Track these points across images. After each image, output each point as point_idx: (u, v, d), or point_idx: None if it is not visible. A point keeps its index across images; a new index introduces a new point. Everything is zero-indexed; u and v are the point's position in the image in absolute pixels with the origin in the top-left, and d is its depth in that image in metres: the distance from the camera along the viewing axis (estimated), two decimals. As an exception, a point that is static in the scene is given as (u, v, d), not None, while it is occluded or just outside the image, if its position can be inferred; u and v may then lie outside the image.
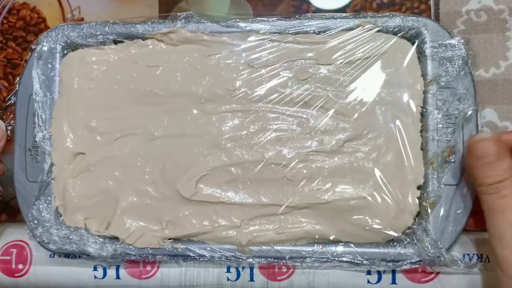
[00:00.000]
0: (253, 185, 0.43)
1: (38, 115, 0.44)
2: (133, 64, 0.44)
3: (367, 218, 0.42)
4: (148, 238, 0.43)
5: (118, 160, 0.44)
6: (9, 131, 0.45)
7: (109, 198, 0.44)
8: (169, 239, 0.43)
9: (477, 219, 0.42)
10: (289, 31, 0.43)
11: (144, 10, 0.50)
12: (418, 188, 0.42)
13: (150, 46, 0.44)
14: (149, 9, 0.50)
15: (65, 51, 0.45)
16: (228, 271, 0.45)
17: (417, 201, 0.42)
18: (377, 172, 0.42)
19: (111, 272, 0.46)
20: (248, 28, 0.44)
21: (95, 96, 0.45)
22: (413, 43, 0.43)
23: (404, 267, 0.41)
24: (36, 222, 0.44)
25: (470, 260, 0.42)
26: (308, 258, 0.42)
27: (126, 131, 0.44)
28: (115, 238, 0.44)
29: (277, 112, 0.43)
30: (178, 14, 0.44)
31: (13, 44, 0.51)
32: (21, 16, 0.51)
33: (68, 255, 0.46)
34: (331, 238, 0.42)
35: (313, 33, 0.43)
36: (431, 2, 0.49)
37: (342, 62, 0.43)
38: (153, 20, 0.44)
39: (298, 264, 0.43)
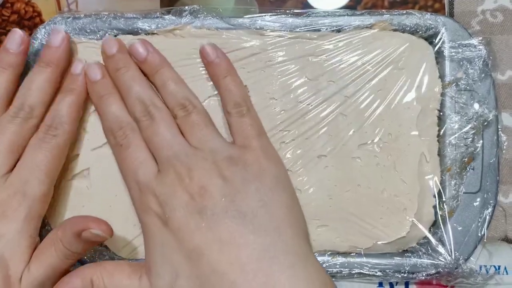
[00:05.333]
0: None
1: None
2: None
3: (380, 227, 0.40)
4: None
5: (114, 162, 0.41)
6: None
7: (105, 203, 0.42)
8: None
9: None
10: (300, 28, 0.42)
11: (144, 5, 0.48)
12: (434, 196, 0.40)
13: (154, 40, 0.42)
14: (149, 3, 0.48)
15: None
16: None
17: (433, 210, 0.40)
18: (392, 179, 0.40)
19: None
20: (257, 24, 0.42)
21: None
22: (430, 43, 0.41)
23: (420, 278, 0.40)
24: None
25: (487, 272, 0.41)
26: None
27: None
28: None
29: (287, 110, 0.41)
30: (184, 8, 0.42)
31: (6, 39, 0.50)
32: (15, 9, 0.50)
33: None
34: (343, 251, 0.41)
35: (326, 31, 0.42)
36: (445, 1, 0.47)
37: (356, 62, 0.41)
38: (157, 15, 0.42)
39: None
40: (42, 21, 0.49)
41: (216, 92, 0.41)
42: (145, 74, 0.40)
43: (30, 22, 0.50)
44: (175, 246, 0.33)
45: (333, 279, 0.40)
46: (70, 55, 0.41)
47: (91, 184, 0.42)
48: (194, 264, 0.33)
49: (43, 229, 0.40)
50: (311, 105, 0.41)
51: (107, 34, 0.41)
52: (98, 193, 0.42)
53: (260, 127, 0.39)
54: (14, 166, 0.37)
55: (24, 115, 0.38)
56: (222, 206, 0.33)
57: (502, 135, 0.43)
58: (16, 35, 0.39)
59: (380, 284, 0.42)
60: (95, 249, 0.41)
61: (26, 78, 0.39)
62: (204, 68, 0.42)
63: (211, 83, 0.42)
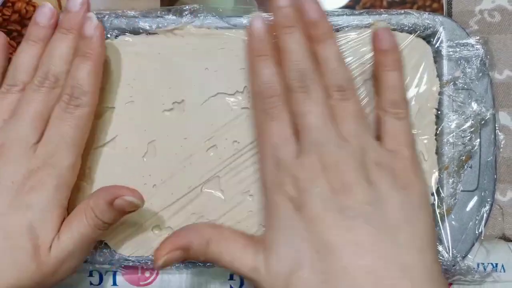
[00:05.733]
0: (262, 189, 0.41)
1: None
2: (131, 61, 0.43)
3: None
4: (145, 250, 0.41)
5: (116, 161, 0.42)
6: None
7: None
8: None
9: None
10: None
11: (144, 3, 0.48)
12: (432, 194, 0.40)
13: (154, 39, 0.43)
14: (150, 2, 0.48)
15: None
16: (231, 278, 0.43)
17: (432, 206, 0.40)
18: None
19: (108, 278, 0.44)
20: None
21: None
22: (428, 42, 0.41)
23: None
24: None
25: (485, 269, 0.41)
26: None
27: (124, 131, 0.42)
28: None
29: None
30: (184, 7, 0.42)
31: (7, 38, 0.50)
32: (16, 9, 0.50)
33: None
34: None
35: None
36: (444, 1, 0.47)
37: (355, 61, 0.41)
38: (157, 14, 0.42)
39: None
40: (43, 21, 0.49)
41: (216, 93, 0.42)
42: (309, 36, 0.37)
43: (31, 21, 0.50)
44: (305, 235, 0.31)
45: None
46: None
47: (92, 183, 0.42)
48: (322, 259, 0.31)
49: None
50: (311, 105, 0.41)
51: None
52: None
53: (413, 136, 0.36)
54: (42, 135, 0.37)
55: (49, 84, 0.38)
56: (365, 211, 0.31)
57: (499, 133, 0.43)
58: (46, 9, 0.39)
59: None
60: (95, 246, 0.41)
61: (49, 45, 0.39)
62: (204, 68, 0.42)
63: (212, 83, 0.42)
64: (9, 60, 0.41)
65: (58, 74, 0.38)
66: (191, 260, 0.34)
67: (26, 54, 0.39)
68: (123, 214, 0.36)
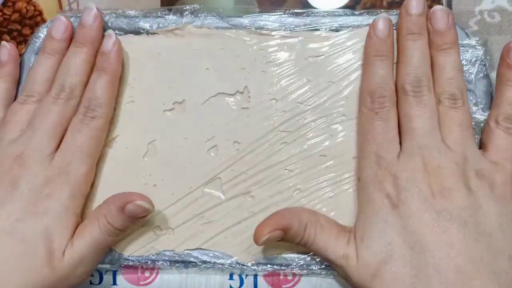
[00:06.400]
0: (263, 189, 0.41)
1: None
2: (131, 61, 0.43)
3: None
4: (145, 250, 0.41)
5: (116, 161, 0.42)
6: None
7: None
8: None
9: None
10: (300, 28, 0.42)
11: (144, 3, 0.48)
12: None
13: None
14: (150, 2, 0.48)
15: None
16: (231, 278, 0.43)
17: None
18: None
19: (108, 278, 0.43)
20: (257, 24, 0.42)
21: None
22: (427, 43, 0.41)
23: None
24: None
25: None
26: (315, 266, 0.40)
27: (125, 131, 0.42)
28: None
29: (288, 111, 0.41)
30: (185, 7, 0.42)
31: (7, 38, 0.50)
32: (16, 8, 0.50)
33: (62, 259, 0.44)
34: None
35: (326, 30, 0.42)
36: (444, 1, 0.47)
37: (356, 62, 0.41)
38: (158, 14, 0.42)
39: (305, 272, 0.41)
40: (43, 20, 0.49)
41: (217, 93, 0.42)
42: (432, 43, 0.39)
43: (32, 21, 0.50)
44: (399, 231, 0.34)
45: (333, 277, 0.41)
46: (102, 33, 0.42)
47: (96, 183, 0.42)
48: (414, 255, 0.33)
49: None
50: (311, 106, 0.41)
51: None
52: (100, 192, 0.42)
53: None
54: (59, 145, 0.38)
55: (65, 96, 0.39)
56: (462, 215, 0.33)
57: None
58: (60, 23, 0.41)
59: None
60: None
61: (65, 58, 0.40)
62: (205, 68, 0.42)
63: (212, 83, 0.42)
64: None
65: (74, 85, 0.39)
66: (286, 241, 0.36)
67: (42, 66, 0.41)
68: (134, 220, 0.38)
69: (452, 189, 0.34)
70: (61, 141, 0.39)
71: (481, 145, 0.37)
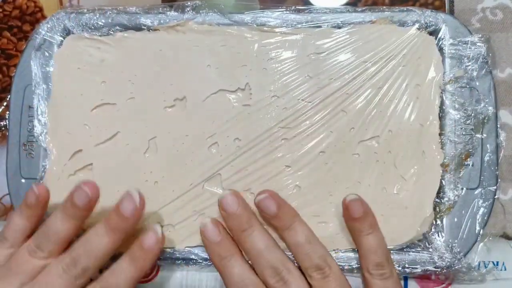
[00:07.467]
0: (263, 186, 0.41)
1: (36, 108, 0.42)
2: (132, 57, 0.42)
3: (381, 224, 0.40)
4: None
5: (117, 158, 0.42)
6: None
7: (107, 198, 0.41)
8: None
9: None
10: (302, 25, 0.42)
11: (145, 0, 0.47)
12: (434, 192, 0.40)
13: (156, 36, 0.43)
14: (151, -1, 0.48)
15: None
16: (232, 275, 0.43)
17: (432, 206, 0.40)
18: (392, 175, 0.40)
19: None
20: (258, 21, 0.42)
21: (94, 90, 0.42)
22: (429, 40, 0.41)
23: (419, 273, 0.40)
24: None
25: (486, 267, 0.41)
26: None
27: (126, 128, 0.42)
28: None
29: (289, 108, 0.41)
30: (186, 3, 0.42)
31: (8, 34, 0.49)
32: (17, 5, 0.49)
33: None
34: (343, 247, 0.41)
35: (327, 27, 0.42)
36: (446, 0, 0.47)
37: (357, 59, 0.41)
38: (159, 10, 0.42)
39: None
40: (43, 16, 0.49)
41: (218, 90, 0.41)
42: (273, 227, 0.39)
43: (32, 17, 0.49)
44: None
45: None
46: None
47: (93, 180, 0.41)
48: None
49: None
50: (313, 103, 0.41)
51: (226, 191, 0.39)
52: (100, 189, 0.42)
53: None
54: None
55: (75, 273, 0.36)
56: None
57: (500, 132, 0.43)
58: (83, 193, 0.36)
59: (380, 279, 0.42)
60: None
61: (91, 234, 0.36)
62: (206, 65, 0.42)
63: (213, 80, 0.42)
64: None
65: (88, 267, 0.36)
66: None
67: (60, 224, 0.37)
68: None
69: None
70: None
71: None
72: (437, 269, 0.40)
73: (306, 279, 0.37)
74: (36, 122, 0.42)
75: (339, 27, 0.42)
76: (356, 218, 0.37)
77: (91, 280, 0.36)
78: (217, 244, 0.38)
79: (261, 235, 0.38)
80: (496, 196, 0.40)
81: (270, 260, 0.37)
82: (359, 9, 0.42)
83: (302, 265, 0.38)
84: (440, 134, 0.40)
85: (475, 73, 0.40)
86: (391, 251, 0.40)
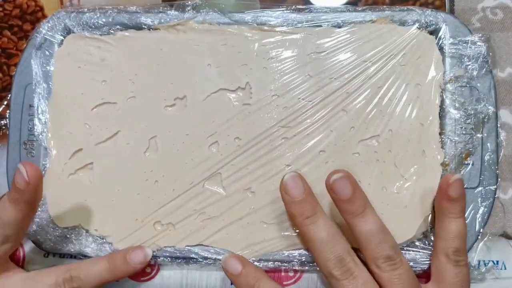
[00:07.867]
0: (263, 185, 0.41)
1: (37, 107, 0.42)
2: (133, 56, 0.42)
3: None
4: (145, 245, 0.41)
5: (118, 157, 0.42)
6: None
7: (107, 197, 0.42)
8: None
9: None
10: (302, 24, 0.42)
11: None
12: (434, 191, 0.40)
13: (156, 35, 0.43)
14: (151, -2, 0.48)
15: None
16: (232, 274, 0.43)
17: (432, 205, 0.40)
18: (392, 175, 0.40)
19: (109, 273, 0.43)
20: (259, 20, 0.42)
21: (94, 89, 0.42)
22: (430, 40, 0.41)
23: (419, 272, 0.40)
24: (30, 220, 0.42)
25: (486, 266, 0.41)
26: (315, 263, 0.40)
27: (126, 127, 0.42)
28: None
29: (289, 107, 0.41)
30: (187, 3, 0.42)
31: (8, 33, 0.49)
32: (17, 4, 0.49)
33: (63, 255, 0.43)
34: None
35: (328, 26, 0.42)
36: (446, -1, 0.47)
37: (358, 58, 0.41)
38: (160, 9, 0.42)
39: (306, 268, 0.41)
40: (44, 16, 0.49)
41: (218, 89, 0.41)
42: (343, 211, 0.36)
43: (32, 16, 0.49)
44: None
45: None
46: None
47: (94, 179, 0.42)
48: None
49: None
50: (313, 102, 0.41)
51: (292, 173, 0.37)
52: (101, 188, 0.42)
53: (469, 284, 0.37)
54: None
55: None
56: None
57: (501, 131, 0.43)
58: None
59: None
60: (96, 240, 0.41)
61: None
62: (206, 64, 0.42)
63: (214, 79, 0.42)
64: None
65: (7, 236, 0.37)
66: None
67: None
68: None
69: None
70: None
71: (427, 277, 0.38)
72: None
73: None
74: (36, 121, 0.42)
75: (340, 27, 0.42)
76: (453, 199, 0.36)
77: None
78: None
79: (326, 222, 0.36)
80: (496, 196, 0.40)
81: (335, 251, 0.35)
82: (360, 9, 0.42)
83: (371, 255, 0.36)
84: (440, 134, 0.40)
85: (475, 73, 0.40)
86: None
